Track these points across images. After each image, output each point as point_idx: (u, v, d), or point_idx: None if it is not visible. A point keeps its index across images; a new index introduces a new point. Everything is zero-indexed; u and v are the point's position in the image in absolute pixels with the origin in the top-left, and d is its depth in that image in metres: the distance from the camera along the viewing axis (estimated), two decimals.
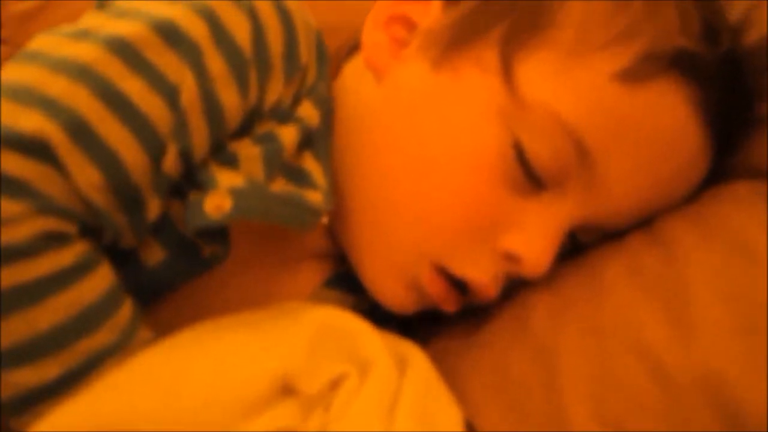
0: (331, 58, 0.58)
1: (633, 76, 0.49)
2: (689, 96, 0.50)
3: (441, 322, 0.55)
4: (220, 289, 0.54)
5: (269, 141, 0.50)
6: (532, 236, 0.50)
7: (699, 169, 0.52)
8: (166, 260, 0.51)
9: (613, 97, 0.49)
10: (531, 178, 0.50)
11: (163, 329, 0.48)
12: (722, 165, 0.53)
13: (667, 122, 0.50)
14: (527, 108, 0.49)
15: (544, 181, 0.50)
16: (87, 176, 0.44)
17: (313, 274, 0.58)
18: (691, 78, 0.49)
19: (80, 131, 0.44)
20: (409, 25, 0.55)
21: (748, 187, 0.49)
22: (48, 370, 0.43)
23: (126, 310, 0.47)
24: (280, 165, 0.51)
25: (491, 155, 0.50)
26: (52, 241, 0.43)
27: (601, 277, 0.50)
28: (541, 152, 0.49)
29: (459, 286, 0.53)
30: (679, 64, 0.49)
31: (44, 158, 0.43)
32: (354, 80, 0.57)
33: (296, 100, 0.53)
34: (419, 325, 0.56)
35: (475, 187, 0.50)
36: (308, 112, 0.53)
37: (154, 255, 0.51)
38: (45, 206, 0.43)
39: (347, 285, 0.58)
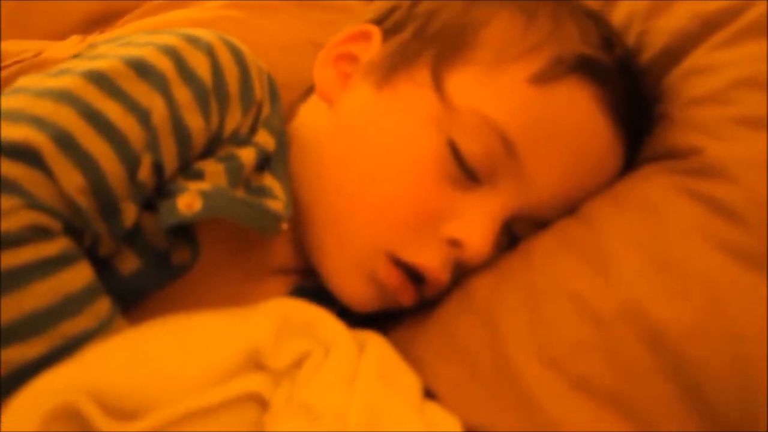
0: (288, 106, 0.66)
1: (544, 78, 0.57)
2: (594, 94, 0.58)
3: (397, 318, 0.60)
4: (189, 301, 0.58)
5: (231, 159, 0.57)
6: (472, 223, 0.57)
7: (613, 160, 0.60)
8: (139, 268, 0.55)
9: (529, 96, 0.57)
10: (467, 173, 0.57)
11: None
12: (634, 158, 0.60)
13: (578, 117, 0.58)
14: (457, 112, 0.57)
15: (479, 175, 0.57)
16: (71, 179, 0.49)
17: (278, 287, 0.62)
18: (594, 79, 0.58)
19: (65, 140, 0.49)
20: (353, 60, 0.63)
21: (652, 167, 0.57)
22: (33, 349, 0.47)
23: (105, 301, 0.51)
24: (241, 180, 0.57)
25: (430, 155, 0.57)
26: (39, 233, 0.48)
27: (532, 250, 0.56)
28: (473, 148, 0.56)
29: (414, 279, 0.58)
30: (582, 67, 0.57)
31: (33, 163, 0.48)
32: (309, 112, 0.65)
33: (253, 130, 0.59)
34: (378, 324, 0.60)
35: (419, 183, 0.57)
36: (264, 138, 0.60)
37: (129, 263, 0.55)
38: (33, 203, 0.48)
39: (311, 296, 0.62)
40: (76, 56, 0.59)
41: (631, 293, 0.48)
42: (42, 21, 0.95)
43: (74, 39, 0.93)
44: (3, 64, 0.76)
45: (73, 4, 0.96)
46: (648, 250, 0.50)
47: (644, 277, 0.49)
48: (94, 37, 0.84)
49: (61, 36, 0.94)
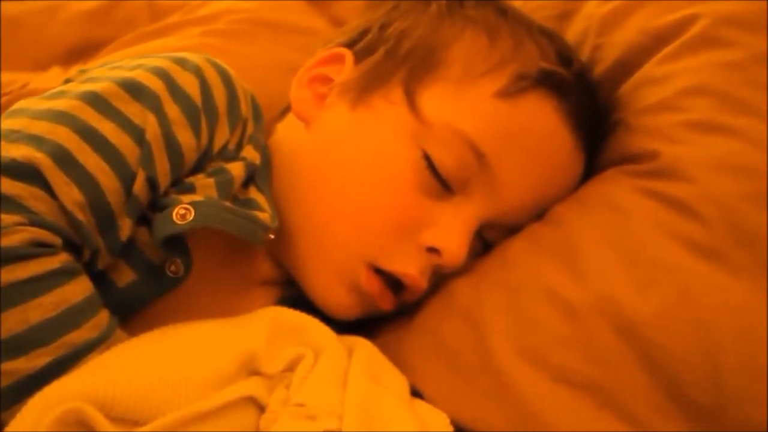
0: (265, 125, 0.66)
1: (509, 93, 0.58)
2: (556, 106, 0.59)
3: (377, 324, 0.60)
4: (181, 312, 0.57)
5: (220, 173, 0.57)
6: (448, 231, 0.57)
7: (575, 165, 0.61)
8: (135, 281, 0.55)
9: (497, 110, 0.58)
10: (441, 183, 0.57)
11: None
12: (593, 164, 0.61)
13: (542, 127, 0.59)
14: (431, 126, 0.57)
15: (452, 185, 0.57)
16: (71, 195, 0.49)
17: (263, 298, 0.62)
18: (555, 92, 0.59)
19: (64, 158, 0.49)
20: (327, 81, 0.63)
21: (613, 170, 0.58)
22: (38, 360, 0.46)
23: (104, 314, 0.50)
24: (230, 194, 0.57)
25: (407, 167, 0.57)
26: (41, 248, 0.47)
27: (507, 253, 0.57)
28: (447, 160, 0.57)
29: (393, 286, 0.58)
30: (544, 82, 0.58)
31: (34, 180, 0.48)
32: (287, 131, 0.65)
33: (239, 146, 0.59)
34: (359, 330, 0.60)
35: (396, 194, 0.57)
36: (251, 153, 0.59)
37: (125, 276, 0.54)
38: (35, 220, 0.47)
39: (294, 305, 0.61)
40: (68, 81, 0.59)
41: (603, 287, 0.49)
42: (24, 53, 0.94)
43: (56, 70, 0.92)
44: None
45: (54, 37, 0.95)
46: (615, 246, 0.51)
47: (614, 271, 0.50)
48: (77, 68, 0.84)
49: (43, 67, 0.93)
